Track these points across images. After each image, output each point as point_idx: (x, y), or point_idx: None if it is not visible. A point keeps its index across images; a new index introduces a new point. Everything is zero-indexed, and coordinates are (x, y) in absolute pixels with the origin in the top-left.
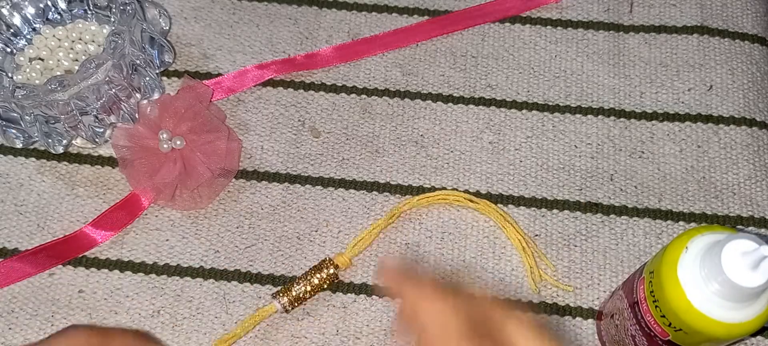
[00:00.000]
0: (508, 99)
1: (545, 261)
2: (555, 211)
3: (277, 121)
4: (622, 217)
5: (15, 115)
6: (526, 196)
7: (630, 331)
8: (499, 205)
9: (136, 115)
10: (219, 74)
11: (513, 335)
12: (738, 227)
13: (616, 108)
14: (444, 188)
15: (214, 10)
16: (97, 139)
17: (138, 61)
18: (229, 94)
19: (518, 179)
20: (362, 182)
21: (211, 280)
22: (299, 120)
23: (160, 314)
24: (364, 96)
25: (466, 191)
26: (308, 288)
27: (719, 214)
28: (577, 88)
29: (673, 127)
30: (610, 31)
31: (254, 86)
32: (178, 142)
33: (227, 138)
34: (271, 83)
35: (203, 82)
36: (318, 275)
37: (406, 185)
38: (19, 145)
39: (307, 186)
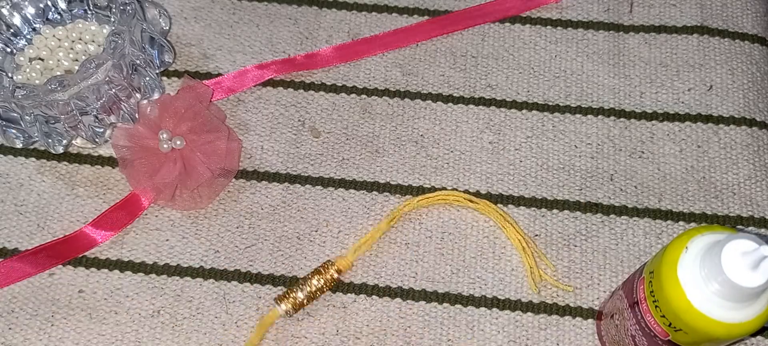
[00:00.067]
0: (508, 99)
1: (545, 261)
2: (555, 211)
3: (277, 121)
4: (622, 217)
5: (15, 115)
6: (526, 196)
7: (630, 331)
8: (499, 205)
9: (136, 115)
10: (219, 74)
11: None
12: (738, 227)
13: (616, 108)
14: (444, 188)
15: (214, 10)
16: (97, 139)
17: (138, 61)
18: (229, 94)
19: (518, 179)
20: (362, 182)
21: (211, 280)
22: (299, 120)
23: (160, 314)
24: (364, 96)
25: (466, 191)
26: (310, 291)
27: (719, 214)
28: (577, 88)
29: (673, 127)
30: (610, 31)
31: (254, 86)
32: (178, 142)
33: (227, 138)
34: (271, 83)
35: (203, 82)
36: (320, 279)
37: (406, 185)
38: (19, 145)
39: (307, 186)
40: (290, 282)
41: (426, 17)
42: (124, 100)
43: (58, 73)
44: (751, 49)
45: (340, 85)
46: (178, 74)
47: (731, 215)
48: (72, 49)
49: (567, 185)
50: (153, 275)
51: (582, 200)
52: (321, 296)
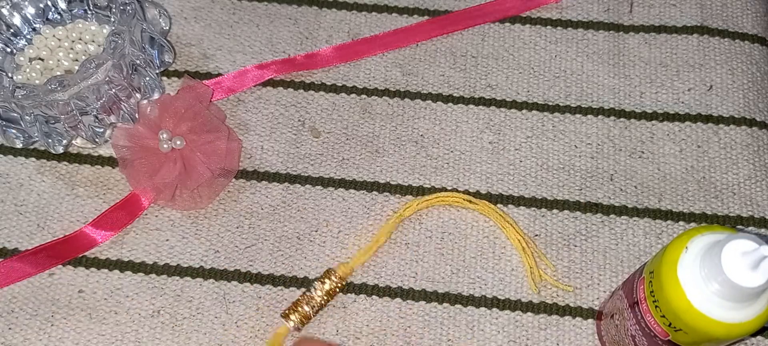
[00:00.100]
0: (508, 99)
1: (545, 261)
2: (555, 211)
3: (277, 121)
4: (622, 217)
5: (15, 115)
6: (526, 196)
7: (630, 331)
8: (499, 205)
9: (136, 115)
10: (219, 74)
11: None
12: (738, 227)
13: (616, 108)
14: (444, 189)
15: (214, 10)
16: (97, 139)
17: (138, 61)
18: (229, 94)
19: (518, 179)
20: (362, 182)
21: (211, 280)
22: (299, 120)
23: (160, 314)
24: (364, 96)
25: (466, 191)
26: (316, 303)
27: (719, 214)
28: (577, 88)
29: (673, 127)
30: (610, 31)
31: (254, 86)
32: (178, 142)
33: (227, 138)
34: (271, 83)
35: (203, 82)
36: (324, 289)
37: (406, 185)
38: (19, 145)
39: (307, 186)
40: (289, 282)
41: (426, 17)
42: (124, 100)
43: (58, 73)
44: (751, 49)
45: (340, 85)
46: (178, 74)
47: (731, 215)
48: (72, 49)
49: (567, 185)
50: (153, 275)
51: (582, 200)
52: (327, 304)
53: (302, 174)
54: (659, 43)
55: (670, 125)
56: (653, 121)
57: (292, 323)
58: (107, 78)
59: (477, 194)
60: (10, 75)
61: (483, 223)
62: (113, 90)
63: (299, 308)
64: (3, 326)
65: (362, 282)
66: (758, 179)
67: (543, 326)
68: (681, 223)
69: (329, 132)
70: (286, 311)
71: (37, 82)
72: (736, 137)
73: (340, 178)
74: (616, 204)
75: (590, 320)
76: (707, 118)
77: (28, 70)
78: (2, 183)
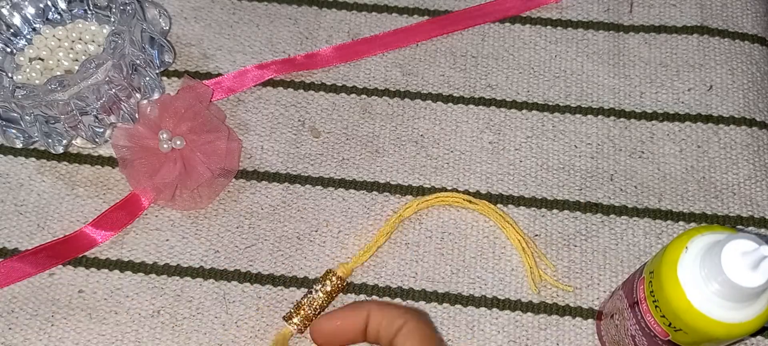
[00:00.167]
0: (508, 99)
1: (545, 261)
2: (555, 211)
3: (277, 121)
4: (622, 217)
5: (15, 115)
6: (526, 196)
7: (630, 331)
8: (498, 205)
9: (136, 115)
10: (219, 74)
11: None
12: (738, 227)
13: (616, 108)
14: (444, 188)
15: (214, 10)
16: (97, 139)
17: (138, 61)
18: (229, 94)
19: (518, 179)
20: (362, 182)
21: (211, 280)
22: (299, 120)
23: (160, 314)
24: (364, 96)
25: (466, 191)
26: (318, 305)
27: (719, 214)
28: (577, 88)
29: (673, 127)
30: (610, 31)
31: (254, 86)
32: (178, 142)
33: (227, 138)
34: (271, 83)
35: (203, 82)
36: (325, 290)
37: (406, 185)
38: (19, 145)
39: (307, 186)
40: (289, 282)
41: (426, 17)
42: (124, 100)
43: (58, 73)
44: (751, 49)
45: (340, 85)
46: (178, 74)
47: (731, 215)
48: (72, 49)
49: (567, 185)
50: (153, 275)
51: (582, 200)
52: (328, 305)
53: (302, 174)
54: (659, 43)
55: (670, 125)
56: (653, 121)
57: (294, 326)
58: (107, 78)
59: (477, 194)
60: (10, 75)
61: (483, 223)
62: (113, 90)
63: (301, 311)
64: (3, 326)
65: (362, 282)
66: (758, 179)
67: (543, 326)
68: (681, 223)
69: (329, 132)
70: (289, 314)
71: (37, 82)
72: (736, 137)
73: (340, 178)
74: (616, 204)
75: (590, 320)
76: (707, 118)
77: (28, 70)
78: (2, 183)
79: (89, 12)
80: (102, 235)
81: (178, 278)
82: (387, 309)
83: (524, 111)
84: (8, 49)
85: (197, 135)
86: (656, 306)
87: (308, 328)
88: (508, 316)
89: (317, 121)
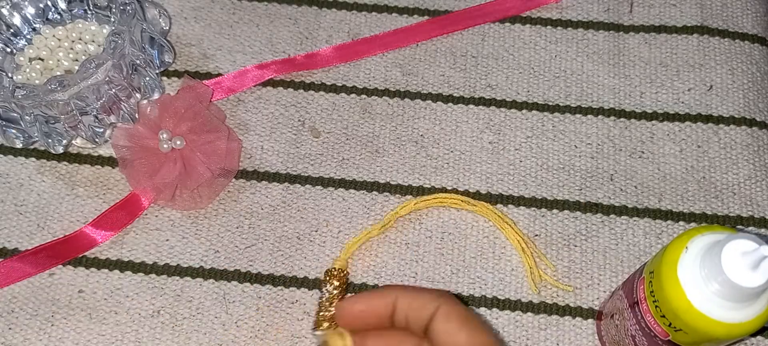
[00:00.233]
0: (508, 99)
1: (545, 261)
2: (555, 211)
3: (277, 121)
4: (622, 217)
5: (15, 115)
6: (526, 196)
7: (630, 331)
8: (498, 205)
9: (136, 115)
10: (219, 74)
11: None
12: (738, 227)
13: (616, 108)
14: (444, 189)
15: (214, 10)
16: (97, 139)
17: (138, 61)
18: (229, 94)
19: (518, 179)
20: (362, 182)
21: (211, 280)
22: (299, 120)
23: (160, 314)
24: (364, 96)
25: (466, 192)
26: (333, 300)
27: (719, 214)
28: (577, 88)
29: (673, 127)
30: (610, 31)
31: (254, 86)
32: (178, 142)
33: (227, 138)
34: (271, 83)
35: (203, 82)
36: (335, 285)
37: (406, 185)
38: (19, 145)
39: (307, 186)
40: (289, 282)
41: (426, 17)
42: (124, 100)
43: (58, 73)
44: (751, 49)
45: (340, 85)
46: (178, 74)
47: (731, 215)
48: (72, 49)
49: (567, 185)
50: (153, 275)
51: (582, 200)
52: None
53: (302, 174)
54: (659, 43)
55: (670, 125)
56: (653, 121)
57: (327, 329)
58: (107, 78)
59: (477, 194)
60: (10, 75)
61: (483, 223)
62: (113, 90)
63: (323, 312)
64: (3, 326)
65: (362, 282)
66: (758, 179)
67: (543, 326)
68: (681, 223)
69: (329, 132)
70: (316, 323)
71: (37, 82)
72: (736, 137)
73: (340, 178)
74: (616, 204)
75: (590, 320)
76: (707, 118)
77: (28, 70)
78: (2, 183)
79: (89, 12)
80: (102, 235)
81: (178, 278)
82: (416, 294)
83: (524, 111)
84: (8, 49)
85: (197, 135)
86: (656, 306)
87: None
88: (508, 316)
89: (317, 121)
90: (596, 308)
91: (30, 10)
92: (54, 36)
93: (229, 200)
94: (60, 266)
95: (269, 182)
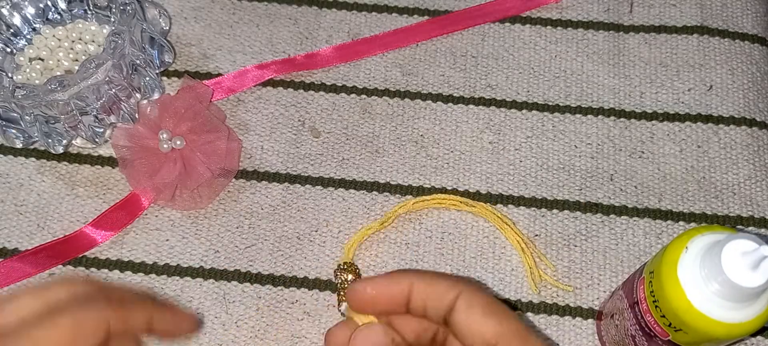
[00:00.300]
0: (508, 99)
1: (545, 261)
2: (555, 211)
3: (277, 121)
4: (622, 217)
5: (15, 115)
6: (526, 196)
7: (630, 331)
8: (498, 205)
9: (136, 115)
10: (219, 74)
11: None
12: (738, 227)
13: (616, 108)
14: (444, 189)
15: (214, 10)
16: (97, 139)
17: (138, 61)
18: (229, 94)
19: (518, 178)
20: (362, 182)
21: (211, 280)
22: (299, 120)
23: None
24: (364, 96)
25: (466, 192)
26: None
27: (719, 214)
28: (577, 88)
29: (673, 127)
30: (610, 31)
31: (254, 86)
32: (178, 142)
33: (227, 138)
34: (271, 83)
35: (203, 82)
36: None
37: (406, 185)
38: (19, 145)
39: (307, 186)
40: (289, 282)
41: (426, 17)
42: (124, 100)
43: (58, 73)
44: (751, 49)
45: (340, 85)
46: (178, 74)
47: (731, 215)
48: (72, 49)
49: (567, 185)
50: (153, 275)
51: (582, 200)
52: None
53: (302, 174)
54: (659, 43)
55: (670, 125)
56: (653, 121)
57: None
58: (107, 78)
59: (477, 194)
60: (10, 75)
61: (483, 223)
62: (113, 90)
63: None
64: None
65: None
66: (758, 179)
67: (543, 326)
68: (681, 223)
69: (329, 132)
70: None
71: (37, 82)
72: (736, 137)
73: (340, 178)
74: (616, 204)
75: (590, 320)
76: (707, 118)
77: (28, 70)
78: (2, 183)
79: (89, 12)
80: (102, 235)
81: (178, 278)
82: (433, 281)
83: (524, 111)
84: (8, 49)
85: (197, 135)
86: (656, 306)
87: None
88: None
89: (317, 121)
90: (596, 308)
91: (30, 10)
92: (54, 36)
93: (229, 200)
94: (60, 266)
95: (269, 182)
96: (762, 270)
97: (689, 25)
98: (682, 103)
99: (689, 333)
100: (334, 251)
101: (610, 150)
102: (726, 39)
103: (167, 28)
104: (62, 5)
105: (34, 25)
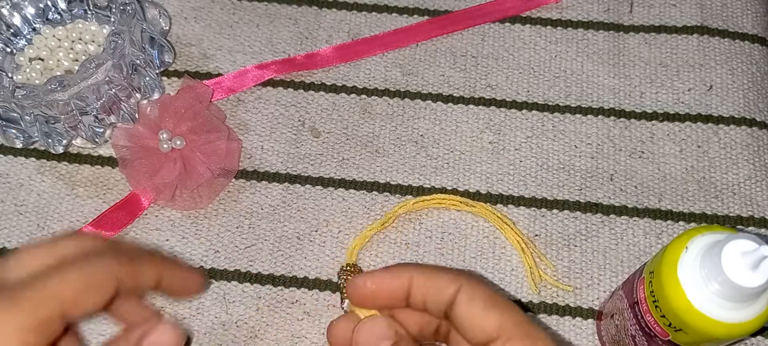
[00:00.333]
0: (508, 99)
1: (545, 261)
2: (555, 211)
3: (277, 121)
4: (622, 217)
5: (15, 115)
6: (526, 196)
7: (630, 331)
8: (498, 205)
9: (136, 115)
10: (219, 74)
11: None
12: (738, 227)
13: (616, 108)
14: (444, 189)
15: (214, 10)
16: (97, 139)
17: (138, 61)
18: (229, 94)
19: (518, 178)
20: (362, 182)
21: (211, 280)
22: (299, 120)
23: (161, 314)
24: (364, 96)
25: (466, 192)
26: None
27: (719, 214)
28: (577, 88)
29: (673, 127)
30: (610, 31)
31: (254, 86)
32: (178, 142)
33: (227, 138)
34: (271, 83)
35: (203, 82)
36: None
37: (406, 185)
38: (19, 145)
39: (307, 186)
40: (289, 282)
41: (426, 17)
42: (124, 100)
43: (58, 73)
44: (751, 49)
45: (340, 85)
46: (178, 74)
47: (731, 215)
48: (72, 49)
49: (567, 185)
50: None
51: (582, 200)
52: None
53: (302, 174)
54: (659, 43)
55: (670, 125)
56: (653, 121)
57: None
58: (107, 78)
59: (477, 194)
60: (10, 75)
61: (483, 223)
62: (113, 90)
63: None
64: None
65: None
66: (758, 179)
67: (543, 326)
68: (681, 223)
69: (329, 132)
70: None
71: (37, 82)
72: (736, 137)
73: (340, 178)
74: (616, 204)
75: (590, 320)
76: (707, 118)
77: (28, 70)
78: (2, 183)
79: (89, 12)
80: (102, 235)
81: None
82: (433, 274)
83: (524, 111)
84: (8, 49)
85: (197, 135)
86: (656, 306)
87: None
88: None
89: (317, 121)
90: (596, 308)
91: (30, 10)
92: (54, 36)
93: (229, 200)
94: None
95: (269, 182)
96: (762, 270)
97: (689, 25)
98: (682, 103)
99: (689, 333)
100: (334, 251)
101: (610, 150)
102: (726, 39)
103: (167, 28)
104: (62, 5)
105: (34, 25)
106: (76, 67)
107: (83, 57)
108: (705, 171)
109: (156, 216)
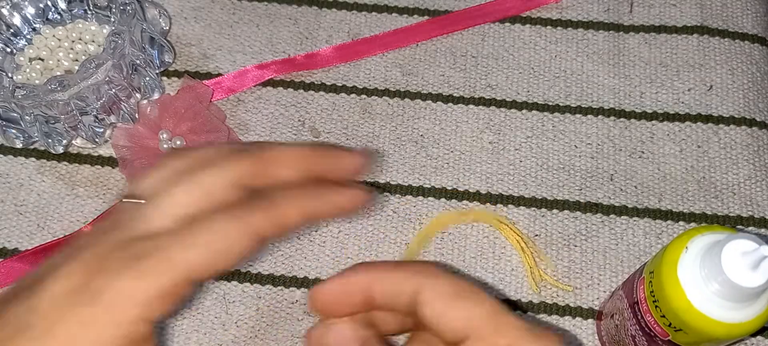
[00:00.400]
0: (508, 99)
1: (545, 261)
2: (555, 211)
3: (277, 121)
4: (622, 217)
5: (15, 115)
6: (526, 196)
7: (630, 331)
8: (498, 205)
9: (136, 115)
10: (219, 74)
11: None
12: (738, 227)
13: (616, 108)
14: (444, 189)
15: (214, 10)
16: (97, 139)
17: (138, 61)
18: (229, 94)
19: (518, 179)
20: (362, 182)
21: (211, 280)
22: (299, 120)
23: None
24: (364, 96)
25: (466, 192)
26: None
27: (719, 214)
28: (577, 88)
29: (673, 127)
30: (610, 31)
31: (254, 86)
32: (178, 142)
33: (227, 138)
34: (271, 83)
35: (203, 82)
36: None
37: (406, 185)
38: (19, 145)
39: None
40: (289, 282)
41: (426, 17)
42: (124, 100)
43: (58, 73)
44: (751, 49)
45: (340, 85)
46: (178, 74)
47: (731, 215)
48: (72, 49)
49: (567, 185)
50: None
51: (582, 200)
52: None
53: None
54: (659, 43)
55: (670, 125)
56: (653, 121)
57: None
58: (107, 78)
59: (477, 194)
60: (10, 75)
61: (482, 223)
62: (113, 90)
63: None
64: None
65: None
66: (758, 179)
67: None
68: (681, 223)
69: (329, 132)
70: None
71: (37, 82)
72: (736, 137)
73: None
74: (616, 204)
75: (590, 320)
76: (707, 118)
77: (28, 70)
78: (2, 183)
79: (89, 12)
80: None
81: None
82: (390, 273)
83: (524, 111)
84: (8, 49)
85: (197, 135)
86: (656, 306)
87: None
88: None
89: (317, 121)
90: (596, 308)
91: (30, 10)
92: (54, 36)
93: None
94: None
95: None
96: (762, 270)
97: (689, 25)
98: (682, 103)
99: (689, 333)
100: (334, 251)
101: (610, 150)
102: (726, 39)
103: (167, 28)
104: (62, 5)
105: (34, 25)
106: (76, 67)
107: (83, 57)
108: (705, 171)
109: None
